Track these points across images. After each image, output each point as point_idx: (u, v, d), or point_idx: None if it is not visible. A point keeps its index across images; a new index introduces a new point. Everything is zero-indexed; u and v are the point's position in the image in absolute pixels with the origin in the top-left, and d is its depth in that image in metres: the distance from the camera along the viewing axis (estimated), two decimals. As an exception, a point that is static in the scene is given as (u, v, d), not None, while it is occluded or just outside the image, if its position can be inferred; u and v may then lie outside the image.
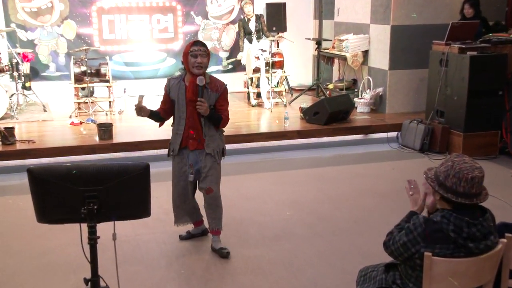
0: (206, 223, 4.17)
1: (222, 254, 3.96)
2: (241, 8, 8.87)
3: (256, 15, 8.65)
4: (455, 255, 2.27)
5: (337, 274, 3.76)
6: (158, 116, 3.96)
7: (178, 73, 8.97)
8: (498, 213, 2.54)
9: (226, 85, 3.93)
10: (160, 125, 4.06)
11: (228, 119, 3.93)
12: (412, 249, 2.32)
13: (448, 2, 7.62)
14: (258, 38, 8.61)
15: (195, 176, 3.92)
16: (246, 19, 8.62)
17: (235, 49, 9.29)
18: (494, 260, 2.35)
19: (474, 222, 2.28)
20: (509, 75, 6.69)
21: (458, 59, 6.46)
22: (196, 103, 3.70)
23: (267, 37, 8.51)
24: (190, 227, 4.27)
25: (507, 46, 6.83)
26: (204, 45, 3.77)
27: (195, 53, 3.69)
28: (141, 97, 3.79)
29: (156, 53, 9.30)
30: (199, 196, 4.07)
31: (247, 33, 8.61)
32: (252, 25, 8.57)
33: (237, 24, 8.95)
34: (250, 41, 8.58)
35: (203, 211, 4.11)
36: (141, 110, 3.78)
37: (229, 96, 3.97)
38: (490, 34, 7.19)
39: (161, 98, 3.98)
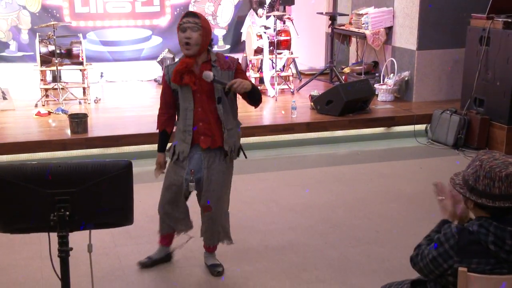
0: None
1: (213, 272, 3.92)
2: None
3: None
4: (496, 272, 2.28)
5: (354, 294, 3.78)
6: (167, 136, 3.86)
7: (162, 55, 8.97)
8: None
9: (238, 58, 3.83)
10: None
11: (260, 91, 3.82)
12: (444, 264, 2.33)
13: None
14: (268, 12, 8.50)
15: (196, 186, 3.73)
16: None
17: (233, 25, 9.27)
18: (544, 277, 2.35)
19: (519, 232, 2.29)
20: None
21: (502, 36, 6.45)
22: (224, 87, 3.54)
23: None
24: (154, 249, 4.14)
25: None
26: (195, 15, 3.55)
27: (184, 25, 3.49)
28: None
29: (139, 31, 9.30)
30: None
31: (260, 4, 8.48)
32: None
33: None
34: (259, 15, 8.47)
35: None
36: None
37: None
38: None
39: (146, 85, 3.90)
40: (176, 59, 4.00)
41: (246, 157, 3.90)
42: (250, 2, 8.84)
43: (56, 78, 7.77)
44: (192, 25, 3.48)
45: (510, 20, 6.46)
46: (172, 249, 4.08)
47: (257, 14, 8.57)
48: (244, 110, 7.62)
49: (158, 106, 3.87)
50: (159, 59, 8.91)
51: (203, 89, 3.60)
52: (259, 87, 8.24)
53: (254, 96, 3.69)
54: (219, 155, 3.71)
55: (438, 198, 2.64)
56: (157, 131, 3.88)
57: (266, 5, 8.53)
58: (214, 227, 3.85)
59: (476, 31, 6.78)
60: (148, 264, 4.00)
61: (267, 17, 8.46)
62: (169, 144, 3.91)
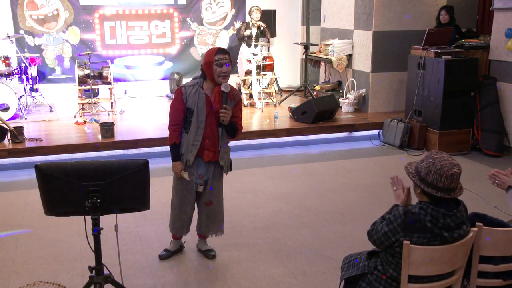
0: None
1: (208, 256, 3.81)
2: (249, 13, 8.35)
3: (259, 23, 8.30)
4: (431, 243, 2.29)
5: (323, 262, 3.77)
6: (177, 147, 3.49)
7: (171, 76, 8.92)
8: (470, 204, 2.57)
9: (241, 94, 3.70)
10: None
11: (242, 129, 3.56)
12: (393, 238, 2.34)
13: (425, 11, 7.66)
14: (256, 43, 8.31)
15: (203, 188, 3.60)
16: (251, 23, 8.29)
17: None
18: (466, 247, 2.38)
19: (449, 213, 2.30)
20: (480, 78, 6.75)
21: (434, 63, 6.49)
22: (220, 111, 3.34)
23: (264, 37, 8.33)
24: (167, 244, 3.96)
25: (478, 51, 6.95)
26: (228, 52, 3.38)
27: (221, 62, 3.31)
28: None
29: (155, 57, 9.27)
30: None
31: (249, 37, 8.41)
32: (254, 31, 8.30)
33: (232, 27, 8.68)
34: (249, 46, 8.39)
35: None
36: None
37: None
38: (463, 40, 7.27)
39: (159, 100, 3.59)
40: (185, 80, 3.66)
41: (231, 170, 3.68)
42: (238, 37, 8.66)
43: (92, 95, 7.74)
44: (228, 61, 3.35)
45: (439, 51, 6.52)
46: (183, 241, 3.94)
47: (247, 45, 8.39)
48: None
49: (168, 115, 3.55)
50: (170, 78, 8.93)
51: (214, 113, 3.43)
52: (248, 101, 8.31)
53: (230, 130, 3.51)
54: (216, 167, 3.59)
55: (393, 188, 2.65)
56: (168, 144, 3.53)
57: (253, 39, 8.36)
58: (214, 220, 3.71)
59: (415, 59, 6.81)
60: (167, 256, 3.82)
61: (255, 46, 8.39)
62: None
